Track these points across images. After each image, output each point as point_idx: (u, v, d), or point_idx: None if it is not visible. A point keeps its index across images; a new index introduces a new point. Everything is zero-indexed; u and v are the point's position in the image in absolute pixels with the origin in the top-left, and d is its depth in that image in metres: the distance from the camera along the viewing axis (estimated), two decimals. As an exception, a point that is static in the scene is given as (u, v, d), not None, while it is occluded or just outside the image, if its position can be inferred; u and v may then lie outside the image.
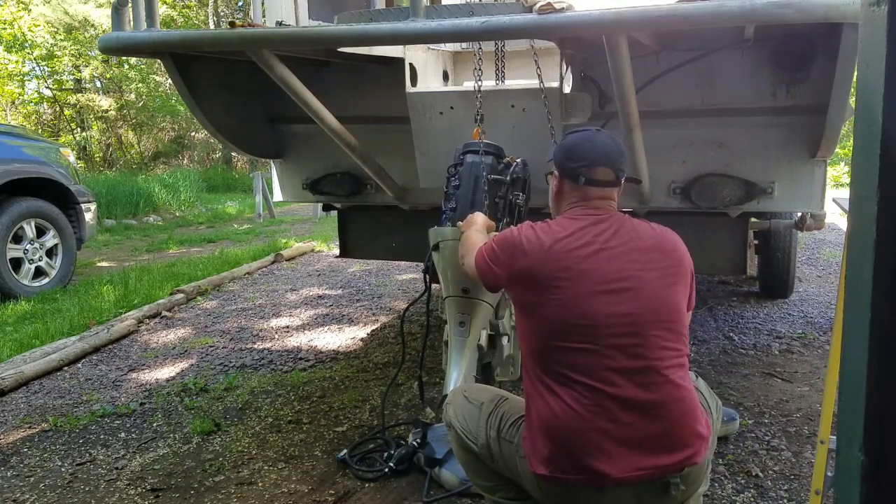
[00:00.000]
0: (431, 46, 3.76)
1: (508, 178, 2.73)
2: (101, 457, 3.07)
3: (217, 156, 20.01)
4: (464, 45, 4.09)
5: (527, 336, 1.94)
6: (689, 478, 1.81)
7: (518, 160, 2.79)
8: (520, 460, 1.93)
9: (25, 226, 6.04)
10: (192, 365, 4.24)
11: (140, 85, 18.05)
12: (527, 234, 1.96)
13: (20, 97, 18.54)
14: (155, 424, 3.38)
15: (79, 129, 18.85)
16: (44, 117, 19.52)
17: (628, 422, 1.77)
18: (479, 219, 2.46)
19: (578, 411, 1.78)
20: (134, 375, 4.10)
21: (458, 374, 2.58)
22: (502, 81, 3.31)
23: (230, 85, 3.49)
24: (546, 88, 2.85)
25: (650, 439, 1.78)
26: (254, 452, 3.04)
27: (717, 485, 2.64)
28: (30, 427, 3.41)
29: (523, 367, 2.00)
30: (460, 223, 2.52)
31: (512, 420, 2.00)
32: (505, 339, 2.73)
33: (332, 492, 2.69)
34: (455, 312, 2.63)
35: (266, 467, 2.90)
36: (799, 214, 4.29)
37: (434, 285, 2.82)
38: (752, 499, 2.56)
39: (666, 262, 1.92)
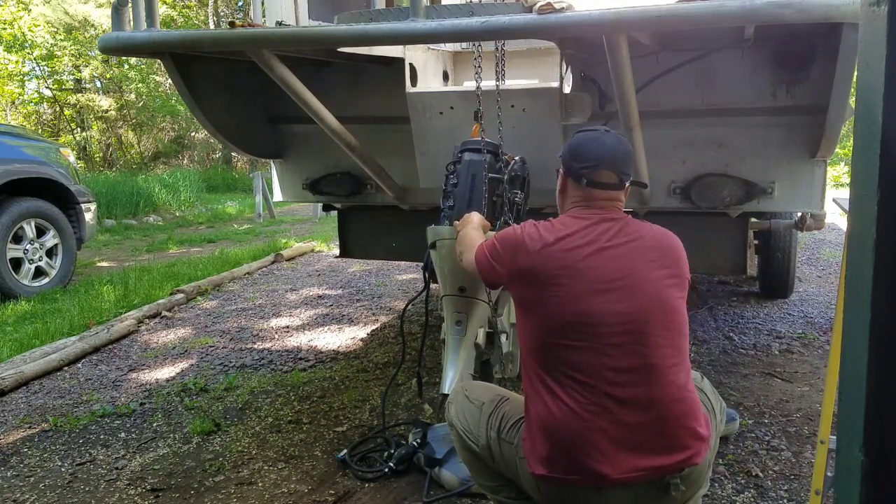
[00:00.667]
0: (431, 46, 3.76)
1: (506, 176, 2.73)
2: (101, 457, 3.07)
3: (217, 156, 20.01)
4: (464, 45, 4.09)
5: (527, 334, 1.94)
6: (689, 478, 1.81)
7: (516, 158, 2.79)
8: (519, 461, 1.92)
9: (25, 226, 6.04)
10: (192, 365, 4.24)
11: (140, 85, 18.05)
12: (529, 232, 1.96)
13: (20, 97, 18.54)
14: (155, 424, 3.38)
15: (79, 129, 18.85)
16: (44, 117, 19.52)
17: (627, 422, 1.77)
18: (474, 218, 2.46)
19: (577, 411, 1.78)
20: (134, 375, 4.10)
21: (454, 374, 2.58)
22: (503, 81, 3.31)
23: (230, 85, 3.49)
24: (502, 90, 2.84)
25: (649, 440, 1.77)
26: (254, 452, 3.04)
27: (717, 485, 2.64)
28: (30, 427, 3.41)
29: (523, 366, 2.00)
30: (456, 222, 2.52)
31: (513, 421, 2.00)
32: (504, 337, 2.73)
33: (332, 492, 2.69)
34: (452, 311, 2.63)
35: (266, 467, 2.90)
36: (799, 214, 4.29)
37: (433, 284, 2.82)
38: (752, 499, 2.56)
39: (666, 262, 1.91)
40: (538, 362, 1.88)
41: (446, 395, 2.46)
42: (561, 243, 1.89)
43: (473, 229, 2.37)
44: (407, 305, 3.12)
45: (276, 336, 4.79)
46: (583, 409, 1.78)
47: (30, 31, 16.91)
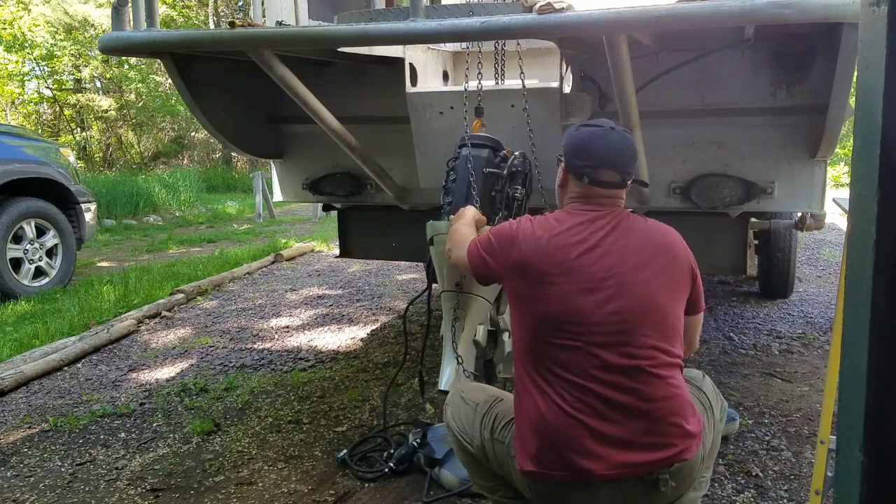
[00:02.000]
0: (431, 46, 3.76)
1: (506, 171, 2.72)
2: (101, 457, 3.07)
3: (217, 156, 20.01)
4: (464, 44, 4.09)
5: (519, 331, 1.94)
6: (679, 474, 1.80)
7: (516, 153, 2.78)
8: (511, 460, 1.93)
9: (25, 226, 6.04)
10: (192, 365, 4.24)
11: (140, 85, 18.05)
12: (523, 228, 1.96)
13: (20, 97, 18.54)
14: (155, 424, 3.38)
15: (79, 129, 18.86)
16: (44, 117, 19.54)
17: (614, 419, 1.77)
18: (469, 213, 2.45)
19: (565, 408, 1.79)
20: (134, 375, 4.10)
21: (451, 370, 2.57)
22: (502, 81, 3.31)
23: (230, 85, 3.49)
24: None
25: (636, 437, 1.77)
26: (254, 452, 3.04)
27: (717, 485, 2.63)
28: (30, 427, 3.41)
29: (515, 363, 2.00)
30: (451, 217, 2.51)
31: (505, 421, 2.00)
32: (506, 335, 2.72)
33: (332, 492, 2.69)
34: (449, 308, 2.62)
35: (266, 467, 2.90)
36: (799, 214, 4.29)
37: (435, 284, 2.81)
38: (752, 499, 2.56)
39: (660, 261, 1.90)
40: (528, 360, 1.88)
41: (443, 392, 2.47)
42: (554, 240, 1.89)
43: (465, 225, 2.35)
44: (409, 305, 3.11)
45: (276, 336, 4.79)
46: (570, 406, 1.78)
47: (30, 31, 16.92)
